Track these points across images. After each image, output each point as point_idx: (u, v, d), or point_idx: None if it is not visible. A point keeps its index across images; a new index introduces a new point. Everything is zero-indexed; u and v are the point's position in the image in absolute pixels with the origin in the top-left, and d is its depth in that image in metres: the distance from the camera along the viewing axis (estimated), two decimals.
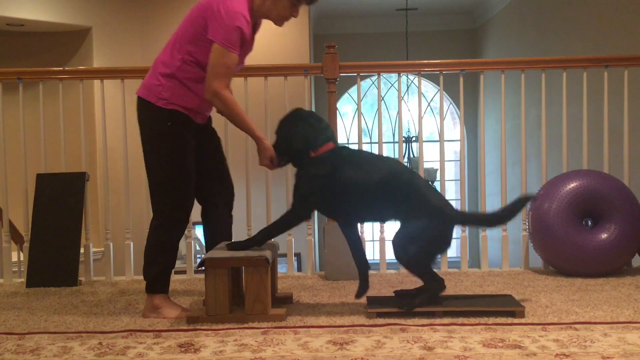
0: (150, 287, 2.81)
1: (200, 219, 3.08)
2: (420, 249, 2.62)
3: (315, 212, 2.97)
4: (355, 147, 4.00)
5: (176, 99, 2.73)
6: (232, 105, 2.68)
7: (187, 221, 2.88)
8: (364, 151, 2.85)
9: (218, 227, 3.00)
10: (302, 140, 2.71)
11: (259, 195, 4.10)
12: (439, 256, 2.70)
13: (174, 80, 2.73)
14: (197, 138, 2.88)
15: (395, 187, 2.64)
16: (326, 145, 2.72)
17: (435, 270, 3.49)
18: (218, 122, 3.11)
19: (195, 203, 2.98)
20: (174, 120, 2.74)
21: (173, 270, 2.90)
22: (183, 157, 2.77)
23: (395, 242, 2.66)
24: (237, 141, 3.72)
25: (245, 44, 2.75)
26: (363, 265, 2.84)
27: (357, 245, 2.86)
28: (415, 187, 2.65)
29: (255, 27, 2.88)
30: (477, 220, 3.04)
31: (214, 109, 3.02)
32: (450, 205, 2.70)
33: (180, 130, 2.76)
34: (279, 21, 2.83)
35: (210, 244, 2.97)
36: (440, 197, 2.70)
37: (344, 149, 2.79)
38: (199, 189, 2.96)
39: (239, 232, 3.87)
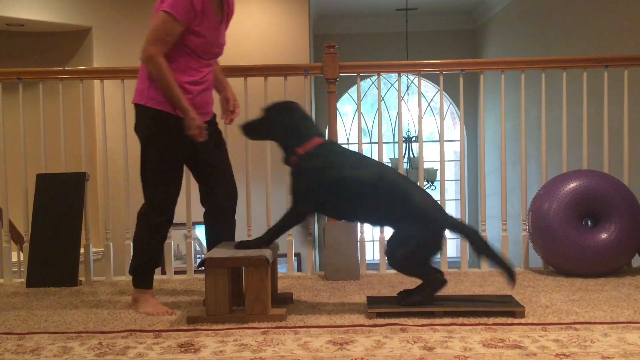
0: (132, 281, 2.93)
1: (200, 219, 3.08)
2: (408, 253, 2.62)
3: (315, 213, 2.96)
4: (355, 147, 4.01)
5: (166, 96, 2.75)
6: (164, 73, 2.68)
7: (167, 223, 2.92)
8: (353, 151, 2.85)
9: (221, 230, 3.02)
10: (291, 129, 2.72)
11: (259, 196, 4.10)
12: (433, 258, 2.68)
13: None
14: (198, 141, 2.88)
15: (383, 191, 2.64)
16: (313, 140, 2.73)
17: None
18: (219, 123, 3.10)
19: (198, 203, 3.00)
20: (163, 123, 2.76)
21: (157, 268, 2.97)
22: (168, 162, 2.81)
23: (388, 246, 2.68)
24: (237, 141, 3.72)
25: (204, 17, 2.74)
26: None
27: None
28: (403, 191, 2.64)
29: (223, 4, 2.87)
30: (466, 233, 2.75)
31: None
32: (441, 210, 2.68)
33: (169, 134, 2.78)
34: None
35: (212, 247, 2.98)
36: (428, 201, 2.66)
37: (333, 144, 2.81)
38: (202, 190, 2.99)
39: (239, 232, 3.87)
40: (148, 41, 2.68)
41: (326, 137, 2.86)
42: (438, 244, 2.66)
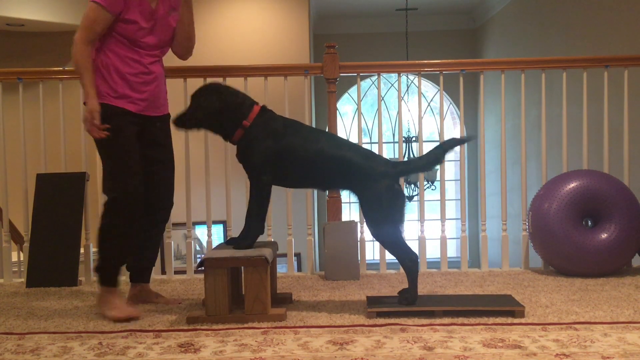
0: (97, 279, 2.84)
1: (201, 219, 3.08)
2: (379, 217, 2.66)
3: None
4: None
5: (107, 87, 2.77)
6: (79, 57, 2.74)
7: (135, 213, 2.82)
8: (294, 120, 2.87)
9: (145, 240, 3.01)
10: (232, 109, 2.72)
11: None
12: (402, 214, 2.72)
13: (98, 71, 2.79)
14: (141, 132, 2.88)
15: (325, 162, 2.70)
16: (253, 109, 2.75)
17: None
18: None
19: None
20: (112, 116, 2.76)
21: (123, 266, 2.91)
22: (119, 150, 2.79)
23: (365, 221, 2.73)
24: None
25: (133, 4, 2.77)
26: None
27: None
28: (343, 160, 2.68)
29: None
30: (417, 167, 2.89)
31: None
32: (387, 162, 2.74)
33: (118, 125, 2.77)
34: None
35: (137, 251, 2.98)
36: (371, 158, 2.72)
37: (271, 111, 2.81)
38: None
39: (237, 233, 3.88)
40: (78, 29, 2.78)
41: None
42: (401, 195, 2.71)
